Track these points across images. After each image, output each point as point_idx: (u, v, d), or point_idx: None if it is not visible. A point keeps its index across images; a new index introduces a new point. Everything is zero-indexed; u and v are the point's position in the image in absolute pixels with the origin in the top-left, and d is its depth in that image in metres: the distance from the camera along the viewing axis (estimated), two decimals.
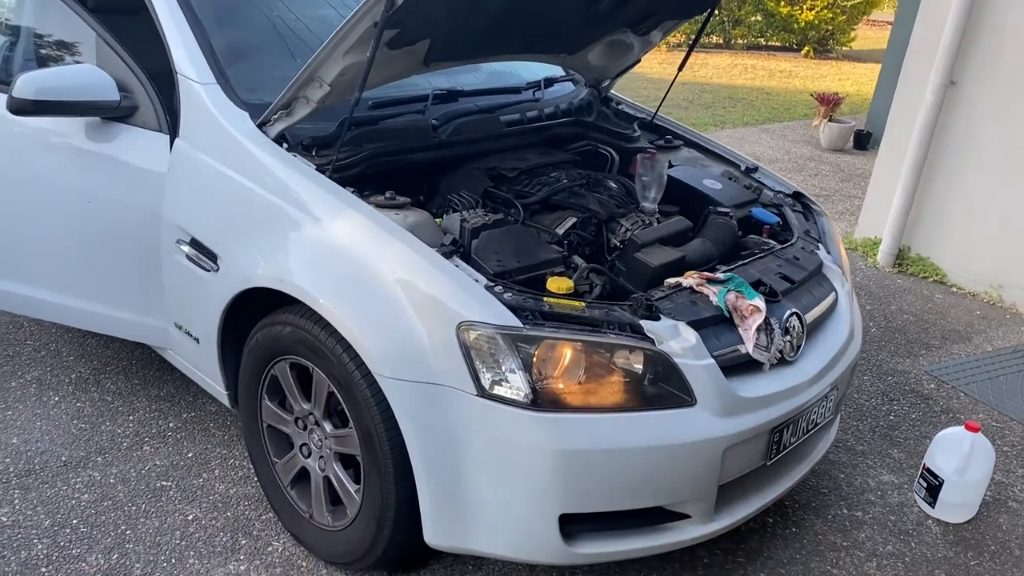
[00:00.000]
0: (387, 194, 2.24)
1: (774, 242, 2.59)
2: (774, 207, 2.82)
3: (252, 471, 2.59)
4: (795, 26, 14.73)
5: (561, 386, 1.88)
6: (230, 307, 2.27)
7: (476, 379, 1.87)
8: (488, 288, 1.94)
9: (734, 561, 2.42)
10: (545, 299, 1.97)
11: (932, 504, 2.69)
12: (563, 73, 3.30)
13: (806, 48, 14.98)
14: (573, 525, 1.95)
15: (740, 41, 15.40)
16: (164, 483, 2.52)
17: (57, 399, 2.85)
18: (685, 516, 2.07)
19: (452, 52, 2.45)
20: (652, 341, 1.94)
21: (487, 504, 1.93)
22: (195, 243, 2.33)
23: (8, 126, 2.59)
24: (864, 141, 7.75)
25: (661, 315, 2.00)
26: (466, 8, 2.21)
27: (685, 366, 1.94)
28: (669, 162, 2.90)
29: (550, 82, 3.17)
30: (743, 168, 2.99)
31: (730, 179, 2.92)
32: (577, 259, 2.26)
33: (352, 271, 2.01)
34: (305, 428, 2.26)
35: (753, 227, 2.69)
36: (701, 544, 2.27)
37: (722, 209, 2.66)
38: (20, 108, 2.30)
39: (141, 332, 2.63)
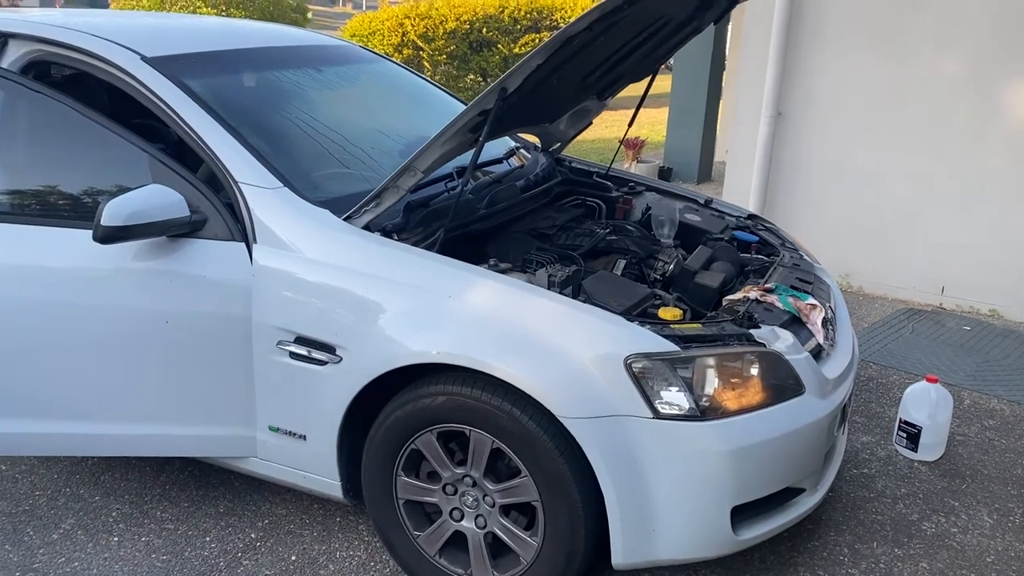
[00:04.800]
0: (491, 262, 2.44)
1: (763, 256, 3.08)
2: (742, 229, 3.32)
3: (366, 558, 2.60)
4: None
5: (717, 396, 2.19)
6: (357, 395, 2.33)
7: (650, 404, 2.12)
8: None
9: (805, 529, 2.82)
10: (671, 326, 2.27)
11: (914, 450, 3.27)
12: (514, 143, 3.62)
13: None
14: (735, 516, 2.24)
15: None
16: None
17: (116, 539, 2.66)
18: (801, 490, 2.43)
19: (497, 130, 2.70)
20: (764, 345, 2.30)
21: (668, 514, 2.17)
22: (303, 340, 2.37)
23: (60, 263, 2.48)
24: (666, 175, 8.73)
25: (760, 324, 2.37)
26: (535, 93, 2.48)
27: (793, 361, 2.33)
28: (648, 203, 3.33)
29: (514, 151, 3.49)
30: (702, 201, 3.47)
31: (696, 212, 3.39)
32: (660, 292, 2.58)
33: (507, 331, 2.18)
34: (455, 492, 2.37)
35: (740, 247, 3.16)
36: None
37: (716, 235, 3.11)
38: (108, 236, 2.24)
39: (224, 446, 2.56)
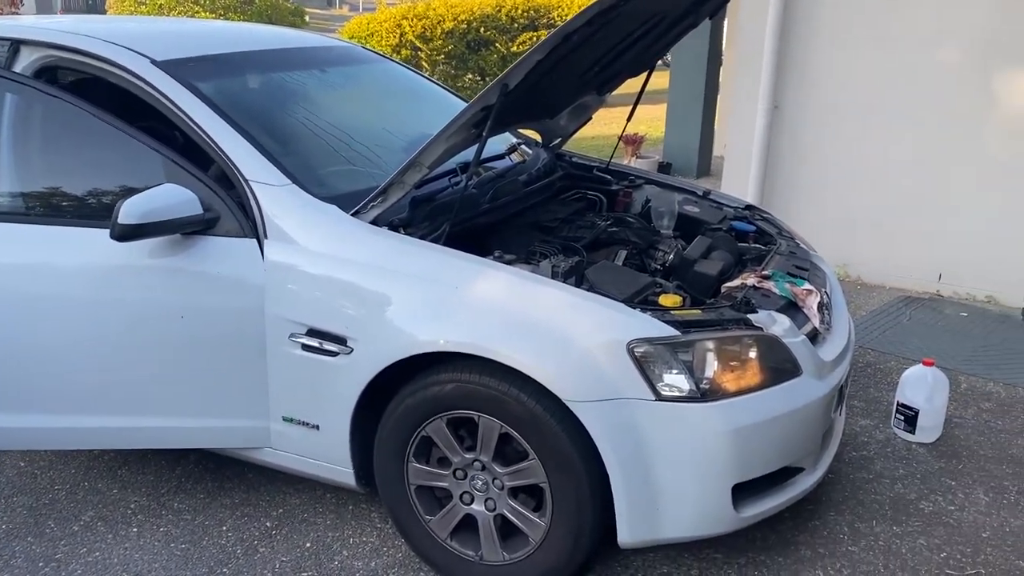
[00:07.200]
0: (496, 253, 2.51)
1: (761, 246, 3.15)
2: (740, 219, 3.39)
3: (379, 543, 2.68)
4: None
5: (717, 378, 2.26)
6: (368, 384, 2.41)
7: (652, 387, 2.19)
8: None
9: (805, 510, 2.89)
10: (672, 312, 2.34)
11: (912, 431, 3.34)
12: (515, 140, 3.69)
13: None
14: (737, 495, 2.31)
15: None
16: (305, 574, 2.55)
17: (136, 530, 2.74)
18: (800, 470, 2.50)
19: (499, 126, 2.77)
20: (761, 329, 2.37)
21: (672, 493, 2.24)
22: (314, 332, 2.44)
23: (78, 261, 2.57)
24: (666, 171, 8.80)
25: (758, 309, 2.44)
26: (536, 89, 2.55)
27: (790, 344, 2.40)
28: (645, 196, 3.40)
29: (515, 147, 3.56)
30: (701, 193, 3.54)
31: (695, 203, 3.46)
32: (660, 280, 2.65)
33: (513, 320, 2.26)
34: (465, 476, 2.44)
35: (738, 237, 3.23)
36: None
37: (715, 226, 3.18)
38: (124, 234, 2.32)
39: (239, 437, 2.64)
